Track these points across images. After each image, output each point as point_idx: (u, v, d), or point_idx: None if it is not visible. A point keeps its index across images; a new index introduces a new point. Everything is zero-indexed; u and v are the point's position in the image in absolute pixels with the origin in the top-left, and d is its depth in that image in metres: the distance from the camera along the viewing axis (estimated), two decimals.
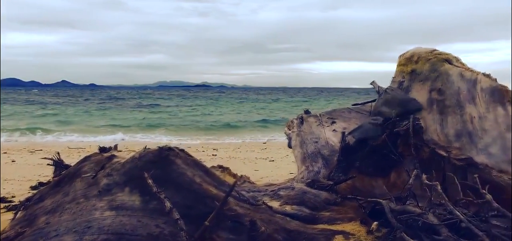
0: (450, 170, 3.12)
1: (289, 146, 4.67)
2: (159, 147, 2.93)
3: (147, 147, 3.00)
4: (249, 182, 4.13)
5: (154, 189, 2.58)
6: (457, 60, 3.61)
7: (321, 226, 2.96)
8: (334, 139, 4.18)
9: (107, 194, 3.03)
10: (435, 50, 3.69)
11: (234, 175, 4.44)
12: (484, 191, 2.27)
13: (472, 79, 3.43)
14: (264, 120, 24.40)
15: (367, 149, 3.49)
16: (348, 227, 2.96)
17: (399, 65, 3.84)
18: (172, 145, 3.10)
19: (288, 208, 3.15)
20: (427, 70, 3.60)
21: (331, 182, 3.48)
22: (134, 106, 36.95)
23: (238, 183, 3.45)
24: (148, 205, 2.78)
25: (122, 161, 3.18)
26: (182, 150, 3.00)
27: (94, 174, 3.19)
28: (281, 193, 3.47)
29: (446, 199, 2.37)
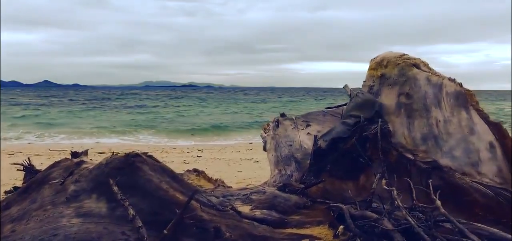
0: (416, 173, 3.19)
1: (265, 149, 4.70)
2: (125, 153, 2.92)
3: (114, 153, 2.99)
4: (223, 186, 4.14)
5: (119, 196, 2.57)
6: (425, 64, 3.69)
7: (289, 230, 2.98)
8: (308, 143, 4.22)
9: (75, 201, 3.00)
10: (404, 54, 3.76)
11: (209, 179, 4.45)
12: (434, 197, 2.33)
13: (438, 83, 3.51)
14: (252, 121, 24.39)
15: (337, 153, 3.54)
16: (316, 230, 2.99)
17: (370, 69, 3.90)
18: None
19: (258, 212, 3.16)
20: (395, 74, 3.67)
21: (302, 186, 3.52)
22: (120, 106, 36.52)
23: (204, 188, 3.45)
24: (115, 212, 2.77)
25: (91, 167, 3.16)
26: (150, 156, 2.99)
27: (62, 181, 3.15)
28: (253, 197, 3.49)
29: (400, 204, 2.43)
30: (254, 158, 11.26)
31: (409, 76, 3.60)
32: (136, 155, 2.88)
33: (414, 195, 2.53)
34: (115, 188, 2.63)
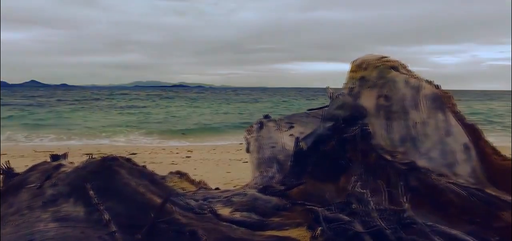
0: (394, 174, 3.23)
1: (248, 151, 4.71)
2: (102, 156, 2.91)
3: (92, 156, 2.97)
4: (205, 188, 4.13)
5: (94, 200, 2.56)
6: (404, 67, 3.76)
7: (268, 232, 2.99)
8: (291, 144, 4.24)
9: (52, 205, 2.98)
10: (383, 57, 3.82)
11: (192, 181, 4.44)
12: (402, 199, 2.38)
13: (416, 85, 3.57)
14: (243, 122, 24.32)
15: (318, 154, 3.57)
16: (294, 232, 3.01)
17: (350, 71, 3.95)
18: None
19: (238, 215, 3.17)
20: (375, 77, 3.73)
21: (283, 187, 3.53)
22: (109, 107, 36.18)
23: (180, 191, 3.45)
24: (92, 216, 2.75)
25: (69, 170, 3.14)
26: (128, 159, 2.98)
27: (39, 184, 3.12)
28: (234, 199, 3.49)
29: (372, 206, 2.47)
30: (243, 158, 11.25)
31: (388, 78, 3.66)
32: (113, 158, 2.87)
33: (384, 196, 2.57)
34: (91, 192, 2.62)
